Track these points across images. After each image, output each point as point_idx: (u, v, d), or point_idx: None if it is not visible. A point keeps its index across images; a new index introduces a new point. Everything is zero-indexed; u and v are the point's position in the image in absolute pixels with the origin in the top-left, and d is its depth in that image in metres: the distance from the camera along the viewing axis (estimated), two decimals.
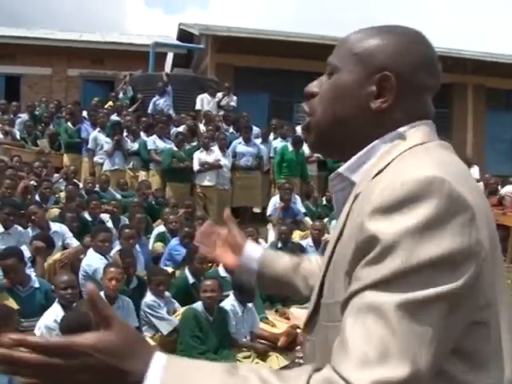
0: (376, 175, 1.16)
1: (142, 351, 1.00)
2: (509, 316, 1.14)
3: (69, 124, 12.29)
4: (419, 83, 1.26)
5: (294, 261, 1.75)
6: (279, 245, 8.89)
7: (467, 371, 1.08)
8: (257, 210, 11.85)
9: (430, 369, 0.99)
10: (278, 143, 12.37)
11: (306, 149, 12.10)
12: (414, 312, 1.00)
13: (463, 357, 1.08)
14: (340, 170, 1.28)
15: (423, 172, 1.06)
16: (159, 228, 8.99)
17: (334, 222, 10.12)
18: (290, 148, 11.61)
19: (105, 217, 8.68)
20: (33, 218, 7.39)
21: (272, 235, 10.05)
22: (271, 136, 13.00)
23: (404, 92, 1.24)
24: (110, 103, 14.80)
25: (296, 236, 9.53)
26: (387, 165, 1.17)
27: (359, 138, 1.26)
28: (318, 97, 1.33)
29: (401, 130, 1.24)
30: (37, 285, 5.84)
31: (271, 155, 12.09)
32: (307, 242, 8.99)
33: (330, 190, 1.38)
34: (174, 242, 8.01)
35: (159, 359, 0.99)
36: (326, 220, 10.53)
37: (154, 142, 11.46)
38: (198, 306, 6.10)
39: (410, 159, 1.15)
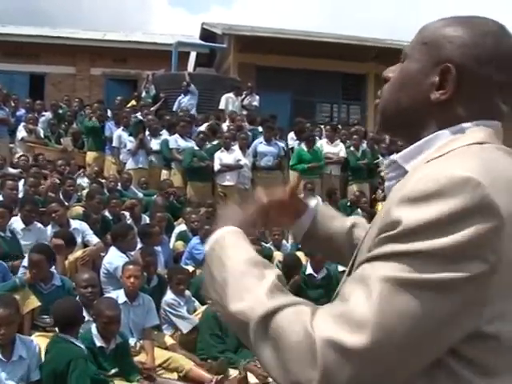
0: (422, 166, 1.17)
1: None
2: None
3: (93, 121, 12.36)
4: (486, 79, 1.21)
5: (347, 223, 1.74)
6: (299, 245, 8.88)
7: (479, 379, 1.07)
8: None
9: (398, 347, 1.00)
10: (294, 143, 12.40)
11: (325, 148, 12.13)
12: (399, 289, 1.01)
13: (471, 365, 1.07)
14: (395, 157, 1.28)
15: (462, 172, 1.04)
16: (180, 227, 9.02)
17: None
18: (305, 148, 11.62)
19: (126, 215, 8.73)
20: (53, 215, 7.44)
21: (292, 235, 10.02)
22: (293, 135, 12.96)
23: (468, 86, 1.21)
24: (133, 102, 14.88)
25: None
26: (438, 157, 1.16)
27: (419, 126, 1.26)
28: (389, 82, 1.35)
29: (463, 125, 1.21)
30: (59, 282, 5.89)
31: (282, 154, 12.05)
32: None
33: (383, 176, 1.41)
34: (195, 240, 8.02)
35: (229, 230, 1.32)
36: None
37: (175, 140, 11.49)
38: None
39: (459, 157, 1.13)
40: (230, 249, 1.25)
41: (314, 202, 1.77)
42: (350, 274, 1.27)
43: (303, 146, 11.73)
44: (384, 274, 1.02)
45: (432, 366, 1.05)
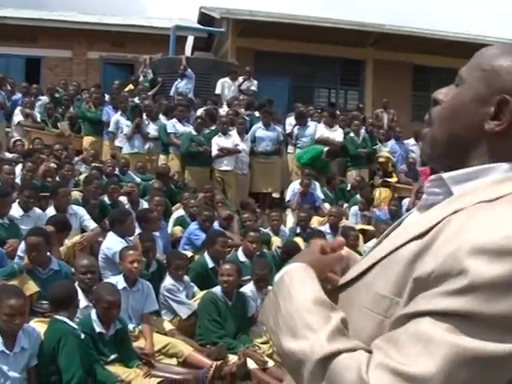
0: (483, 202, 1.13)
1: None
2: None
3: (90, 106, 12.29)
4: None
5: None
6: (298, 230, 8.88)
7: None
8: (275, 195, 11.81)
9: None
10: (300, 130, 12.35)
11: (324, 132, 12.10)
12: (463, 360, 0.99)
13: None
14: (444, 175, 1.25)
15: None
16: (178, 212, 8.99)
17: (353, 208, 10.11)
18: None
19: (123, 200, 8.69)
20: (64, 199, 7.41)
21: (291, 220, 10.02)
22: (292, 120, 12.92)
23: None
24: (131, 86, 14.82)
25: (314, 222, 9.49)
26: (499, 197, 1.13)
27: (468, 155, 1.24)
28: (441, 107, 1.31)
29: None
30: (57, 267, 5.85)
31: (281, 139, 12.03)
32: (325, 228, 8.95)
33: (424, 189, 1.34)
34: (194, 226, 7.99)
35: (301, 265, 1.32)
36: (345, 206, 10.51)
37: (173, 125, 11.43)
38: (217, 290, 6.10)
39: None
40: (300, 283, 1.25)
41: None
42: (371, 267, 1.26)
43: None
44: (450, 340, 1.00)
45: None
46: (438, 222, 1.14)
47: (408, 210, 8.75)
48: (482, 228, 1.05)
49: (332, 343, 1.09)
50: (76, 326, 4.70)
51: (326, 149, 11.68)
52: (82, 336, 4.75)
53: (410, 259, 1.13)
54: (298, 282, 1.24)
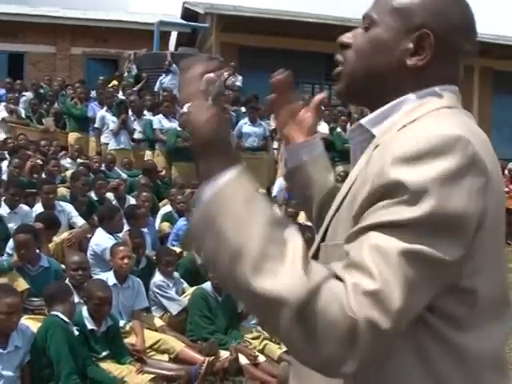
0: (400, 129, 1.18)
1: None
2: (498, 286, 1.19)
3: (76, 102, 12.22)
4: (455, 46, 1.27)
5: (331, 178, 1.72)
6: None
7: (455, 332, 1.12)
8: (262, 190, 11.80)
9: (399, 309, 1.02)
10: None
11: None
12: (412, 262, 1.03)
13: (447, 319, 1.12)
14: (362, 121, 1.30)
15: (451, 130, 1.09)
16: (165, 208, 8.98)
17: None
18: None
19: (110, 196, 8.66)
20: (50, 196, 7.36)
21: None
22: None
23: (440, 52, 1.24)
24: (115, 82, 14.75)
25: (301, 217, 9.52)
26: (413, 120, 1.18)
27: (389, 92, 1.27)
28: (353, 49, 1.33)
29: (429, 90, 1.25)
30: (46, 264, 5.82)
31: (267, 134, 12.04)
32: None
33: (348, 140, 1.40)
34: (182, 222, 7.99)
35: (237, 169, 1.11)
36: None
37: (159, 121, 11.41)
38: (207, 286, 6.10)
39: (438, 118, 1.17)
40: (245, 203, 1.06)
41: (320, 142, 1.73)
42: (327, 229, 1.28)
43: None
44: (403, 247, 1.03)
45: (412, 323, 1.08)
46: (366, 163, 1.19)
47: None
48: (399, 143, 1.10)
49: (309, 278, 1.01)
50: (68, 320, 4.67)
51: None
52: (76, 333, 4.74)
53: (348, 203, 1.19)
54: (240, 200, 1.06)
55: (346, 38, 1.36)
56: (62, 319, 4.63)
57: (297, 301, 0.99)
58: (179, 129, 11.05)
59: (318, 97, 1.79)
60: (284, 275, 1.00)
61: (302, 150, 1.67)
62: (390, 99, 1.27)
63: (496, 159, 1.18)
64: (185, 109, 1.19)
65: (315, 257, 1.29)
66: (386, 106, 1.27)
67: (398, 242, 1.03)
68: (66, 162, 10.48)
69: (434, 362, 1.12)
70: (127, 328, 5.69)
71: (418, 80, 1.25)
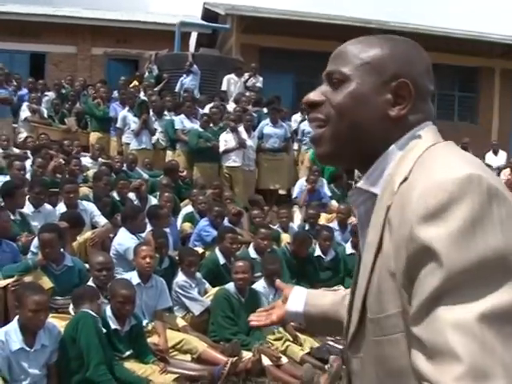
0: (402, 182, 1.17)
1: None
2: None
3: (99, 102, 12.28)
4: (425, 88, 1.30)
5: (338, 295, 1.77)
6: (306, 227, 8.89)
7: None
8: (282, 191, 11.82)
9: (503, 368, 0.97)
10: (306, 125, 12.31)
11: None
12: (495, 321, 0.99)
13: None
14: (359, 185, 1.30)
15: (458, 171, 1.07)
16: (187, 208, 8.98)
17: None
18: None
19: (132, 196, 8.70)
20: (71, 196, 7.40)
21: (298, 217, 10.04)
22: (298, 117, 12.95)
23: (415, 97, 1.27)
24: (135, 82, 14.81)
25: (322, 219, 9.50)
26: (410, 170, 1.18)
27: (375, 145, 1.28)
28: (330, 106, 1.31)
29: (412, 132, 1.27)
30: (71, 263, 5.86)
31: (288, 136, 12.01)
32: (333, 225, 8.96)
33: (351, 204, 1.38)
34: (204, 222, 8.00)
35: None
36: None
37: (181, 121, 11.41)
38: (230, 286, 6.11)
39: (436, 160, 1.16)
40: None
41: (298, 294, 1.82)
42: (365, 301, 1.25)
43: None
44: (477, 313, 0.99)
45: None
46: (383, 227, 1.18)
47: None
48: (416, 201, 1.08)
49: None
50: (97, 316, 4.73)
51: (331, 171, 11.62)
52: (104, 330, 4.77)
53: (384, 273, 1.17)
54: None
55: (315, 96, 1.33)
56: (91, 314, 4.68)
57: None
58: (201, 129, 11.08)
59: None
60: None
61: (295, 306, 1.81)
62: (375, 153, 1.27)
63: (500, 179, 1.19)
64: None
65: (358, 331, 1.29)
66: (375, 163, 1.27)
67: (467, 308, 1.00)
68: (87, 161, 10.53)
69: None
70: (150, 328, 5.71)
71: (401, 128, 1.27)
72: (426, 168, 1.15)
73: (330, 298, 1.76)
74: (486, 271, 1.00)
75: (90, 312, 4.69)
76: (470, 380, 0.96)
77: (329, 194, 10.72)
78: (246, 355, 5.53)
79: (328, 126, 1.31)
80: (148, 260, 5.84)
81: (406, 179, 1.17)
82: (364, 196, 1.29)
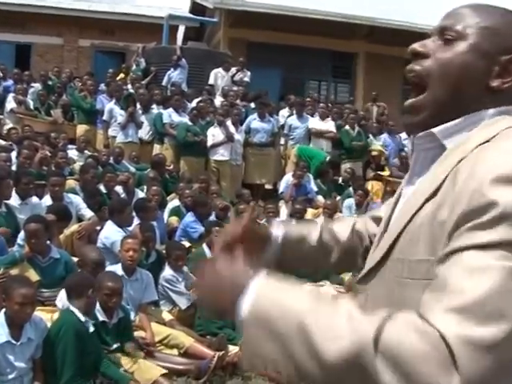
0: (482, 144, 1.15)
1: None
2: None
3: (86, 95, 12.22)
4: None
5: (313, 236, 1.70)
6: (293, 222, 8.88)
7: None
8: (268, 186, 11.84)
9: (499, 318, 0.96)
10: (293, 120, 12.34)
11: (317, 124, 12.13)
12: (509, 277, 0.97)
13: None
14: (435, 130, 1.25)
15: None
16: (173, 202, 8.96)
17: (347, 200, 10.13)
18: None
19: (118, 189, 8.66)
20: (56, 189, 7.35)
21: (284, 212, 10.05)
22: (286, 112, 12.97)
23: None
24: (122, 75, 14.74)
25: (308, 214, 9.51)
26: (495, 135, 1.16)
27: (466, 110, 1.25)
28: (436, 62, 1.27)
29: (504, 108, 1.24)
30: (57, 255, 5.83)
31: (276, 130, 12.03)
32: None
33: (414, 146, 1.34)
34: (189, 218, 7.96)
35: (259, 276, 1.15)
36: (338, 198, 10.53)
37: (169, 115, 11.38)
38: None
39: None
40: (282, 298, 1.09)
41: (278, 228, 1.69)
42: (396, 239, 1.24)
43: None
44: (497, 264, 0.98)
45: None
46: (446, 176, 1.16)
47: None
48: (493, 161, 1.06)
49: (368, 323, 0.99)
50: (83, 319, 4.64)
51: (328, 157, 11.67)
52: (92, 329, 4.72)
53: (431, 218, 1.15)
54: (278, 299, 1.09)
55: (422, 46, 1.30)
56: (77, 317, 4.61)
57: (370, 342, 0.97)
58: (190, 123, 11.06)
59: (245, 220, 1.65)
60: (347, 331, 1.00)
61: (271, 251, 1.66)
62: (462, 114, 1.25)
63: None
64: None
65: (377, 267, 1.29)
66: (459, 120, 1.24)
67: (493, 258, 0.99)
68: (74, 154, 10.47)
69: None
70: (137, 321, 5.70)
71: (496, 100, 1.24)
72: (504, 141, 1.13)
73: (308, 240, 1.70)
74: None
75: (76, 314, 4.61)
76: (468, 316, 0.95)
77: (315, 189, 10.74)
78: (233, 349, 5.52)
79: (428, 90, 1.27)
80: (131, 253, 5.81)
81: (487, 141, 1.15)
82: (431, 144, 1.26)
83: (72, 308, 4.66)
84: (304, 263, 1.71)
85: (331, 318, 1.03)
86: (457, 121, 1.24)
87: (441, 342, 0.95)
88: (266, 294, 1.11)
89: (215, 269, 1.22)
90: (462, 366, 0.93)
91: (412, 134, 1.33)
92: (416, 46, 1.31)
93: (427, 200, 1.18)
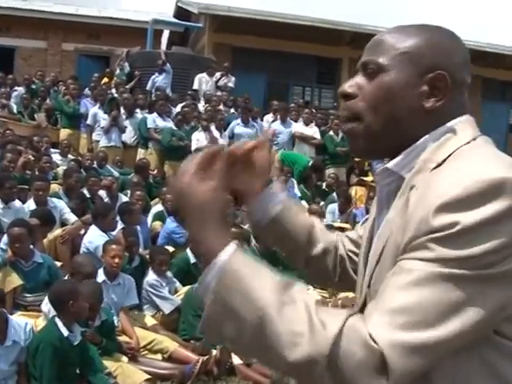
0: (434, 169, 1.19)
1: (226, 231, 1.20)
2: None
3: (69, 99, 12.18)
4: (462, 80, 1.29)
5: (307, 223, 1.66)
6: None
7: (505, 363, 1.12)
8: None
9: (452, 338, 1.04)
10: (277, 125, 12.38)
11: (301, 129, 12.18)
12: (447, 282, 1.05)
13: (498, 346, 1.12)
14: (388, 165, 1.28)
15: (494, 172, 1.08)
16: (157, 207, 8.94)
17: (330, 206, 10.17)
18: None
19: (102, 194, 8.63)
20: (40, 193, 7.32)
21: None
22: (270, 117, 13.03)
23: (452, 89, 1.26)
24: (105, 79, 14.72)
25: None
26: (445, 159, 1.19)
27: (409, 137, 1.26)
28: (363, 99, 1.30)
29: (449, 124, 1.26)
30: (40, 260, 5.80)
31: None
32: None
33: (375, 183, 1.37)
34: (172, 224, 7.91)
35: (232, 246, 1.16)
36: (321, 204, 10.56)
37: (153, 120, 11.39)
38: None
39: (473, 156, 1.16)
40: (251, 278, 1.11)
41: (280, 189, 1.61)
42: (371, 278, 1.28)
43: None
44: (428, 268, 1.06)
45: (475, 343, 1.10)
46: (403, 205, 1.19)
47: None
48: (441, 188, 1.09)
49: (328, 328, 1.05)
50: (66, 333, 4.51)
51: (311, 162, 11.70)
52: (77, 341, 4.60)
53: (393, 247, 1.18)
54: (245, 280, 1.10)
55: (349, 87, 1.33)
56: (59, 332, 4.50)
57: (323, 357, 1.03)
58: (174, 128, 11.06)
59: (268, 132, 1.69)
60: (306, 335, 1.05)
61: (268, 203, 1.58)
62: (408, 143, 1.26)
63: None
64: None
65: (364, 303, 1.31)
66: (408, 149, 1.26)
67: (427, 266, 1.06)
68: (57, 158, 10.42)
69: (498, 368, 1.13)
70: (119, 326, 5.69)
71: (436, 120, 1.26)
72: (461, 161, 1.15)
73: (305, 218, 1.66)
74: (460, 261, 1.05)
75: (60, 327, 4.50)
76: (391, 317, 1.04)
77: (298, 194, 10.77)
78: (219, 349, 5.53)
79: (361, 121, 1.30)
80: (117, 260, 5.80)
81: (438, 166, 1.18)
82: (391, 178, 1.29)
83: (57, 320, 4.56)
84: (289, 239, 1.63)
85: (293, 317, 1.06)
86: (406, 151, 1.26)
87: (373, 349, 1.03)
88: (236, 270, 1.11)
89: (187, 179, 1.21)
90: (390, 369, 1.02)
91: (360, 158, 1.39)
92: (344, 87, 1.34)
93: (388, 236, 1.22)
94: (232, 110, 13.05)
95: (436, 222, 1.06)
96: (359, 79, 1.32)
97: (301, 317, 1.06)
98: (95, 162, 10.06)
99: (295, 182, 10.97)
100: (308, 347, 1.04)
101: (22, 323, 4.59)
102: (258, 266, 1.14)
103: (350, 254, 1.66)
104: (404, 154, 1.26)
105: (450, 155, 1.19)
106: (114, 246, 5.92)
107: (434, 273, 1.05)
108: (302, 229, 1.63)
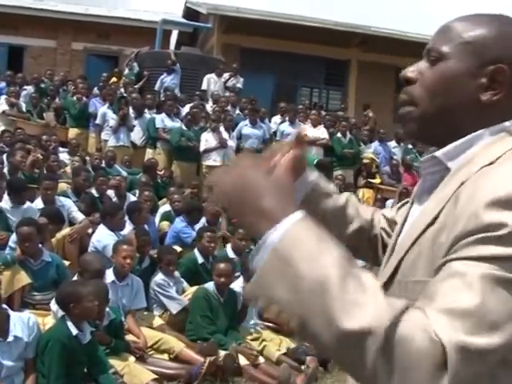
0: (485, 166, 1.16)
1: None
2: None
3: (79, 98, 12.22)
4: None
5: (340, 202, 1.66)
6: None
7: None
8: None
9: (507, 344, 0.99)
10: (285, 127, 12.38)
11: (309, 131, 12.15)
12: (503, 287, 1.00)
13: None
14: (437, 153, 1.27)
15: None
16: (165, 207, 8.96)
17: None
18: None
19: (110, 193, 8.65)
20: (48, 193, 7.34)
21: None
22: (278, 119, 13.02)
23: (511, 85, 1.23)
24: (114, 79, 14.74)
25: None
26: (498, 157, 1.16)
27: (463, 128, 1.25)
28: (421, 85, 1.30)
29: (507, 123, 1.24)
30: (48, 259, 5.83)
31: (267, 137, 12.09)
32: None
33: (420, 170, 1.36)
34: (180, 223, 7.94)
35: (301, 212, 1.09)
36: None
37: (162, 120, 11.41)
38: (210, 286, 6.12)
39: None
40: (317, 242, 1.04)
41: (311, 173, 1.63)
42: (399, 263, 1.26)
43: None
44: (487, 272, 1.01)
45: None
46: (449, 199, 1.16)
47: None
48: (494, 185, 1.07)
49: (392, 306, 0.99)
50: (75, 332, 4.53)
51: (316, 160, 11.68)
52: (87, 340, 4.63)
53: (431, 242, 1.16)
54: (309, 246, 1.03)
55: (411, 72, 1.32)
56: (68, 331, 4.53)
57: (382, 329, 0.96)
58: (184, 128, 11.08)
59: (301, 132, 1.70)
60: (369, 306, 0.98)
61: (302, 185, 1.60)
62: (462, 135, 1.25)
63: None
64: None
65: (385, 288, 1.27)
66: (460, 141, 1.25)
67: (481, 268, 1.01)
68: (65, 157, 10.45)
69: None
70: (125, 326, 5.70)
71: (490, 114, 1.24)
72: (508, 164, 1.13)
73: (332, 202, 1.65)
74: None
75: (69, 326, 4.52)
76: (460, 320, 0.98)
77: None
78: (223, 355, 5.54)
79: (417, 106, 1.30)
80: (128, 261, 5.82)
81: (491, 163, 1.15)
82: (436, 167, 1.28)
83: (66, 318, 4.59)
84: (322, 220, 1.61)
85: (357, 288, 1.00)
86: (457, 142, 1.25)
87: (437, 346, 0.96)
88: (303, 233, 1.05)
89: (257, 167, 1.16)
90: (451, 369, 0.95)
91: (410, 139, 1.37)
92: (406, 71, 1.34)
93: (430, 224, 1.19)
94: (237, 111, 13.04)
95: (487, 217, 1.04)
96: (422, 64, 1.32)
97: (365, 288, 1.00)
98: (104, 162, 10.08)
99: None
100: (368, 318, 0.97)
101: (25, 318, 4.61)
102: (324, 232, 1.07)
103: (383, 233, 1.66)
104: (454, 145, 1.25)
105: (503, 154, 1.17)
106: (125, 247, 5.93)
107: (490, 274, 1.00)
108: (333, 208, 1.63)
